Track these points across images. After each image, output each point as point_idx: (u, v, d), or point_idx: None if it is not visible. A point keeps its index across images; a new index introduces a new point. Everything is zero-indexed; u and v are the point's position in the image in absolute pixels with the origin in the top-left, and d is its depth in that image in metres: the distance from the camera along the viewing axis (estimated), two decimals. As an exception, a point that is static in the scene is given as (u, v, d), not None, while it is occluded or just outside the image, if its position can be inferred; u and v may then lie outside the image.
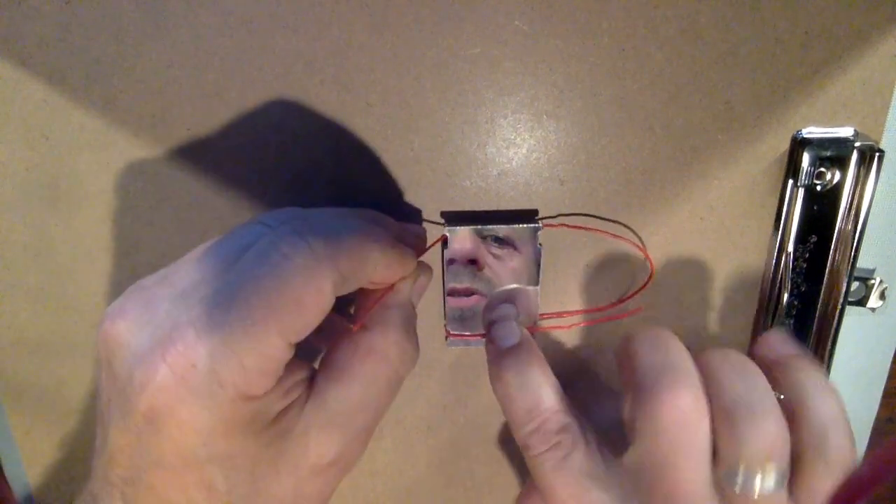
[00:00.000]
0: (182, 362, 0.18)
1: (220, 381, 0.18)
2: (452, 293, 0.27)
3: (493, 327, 0.26)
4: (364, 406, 0.21)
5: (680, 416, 0.20)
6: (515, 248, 0.26)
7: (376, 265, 0.21)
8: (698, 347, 0.24)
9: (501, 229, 0.26)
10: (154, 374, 0.18)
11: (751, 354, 0.23)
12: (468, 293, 0.27)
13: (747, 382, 0.21)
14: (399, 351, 0.22)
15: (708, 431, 0.21)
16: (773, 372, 0.22)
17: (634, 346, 0.23)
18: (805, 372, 0.22)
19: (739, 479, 0.20)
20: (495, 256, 0.26)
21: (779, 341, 0.24)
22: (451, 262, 0.27)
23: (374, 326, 0.22)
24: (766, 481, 0.20)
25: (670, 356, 0.22)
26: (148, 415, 0.18)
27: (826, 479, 0.21)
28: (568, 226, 0.27)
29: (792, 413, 0.21)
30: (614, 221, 0.27)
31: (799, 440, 0.21)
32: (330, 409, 0.21)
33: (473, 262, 0.27)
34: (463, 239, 0.26)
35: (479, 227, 0.26)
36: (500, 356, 0.25)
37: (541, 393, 0.24)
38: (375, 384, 0.22)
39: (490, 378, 0.26)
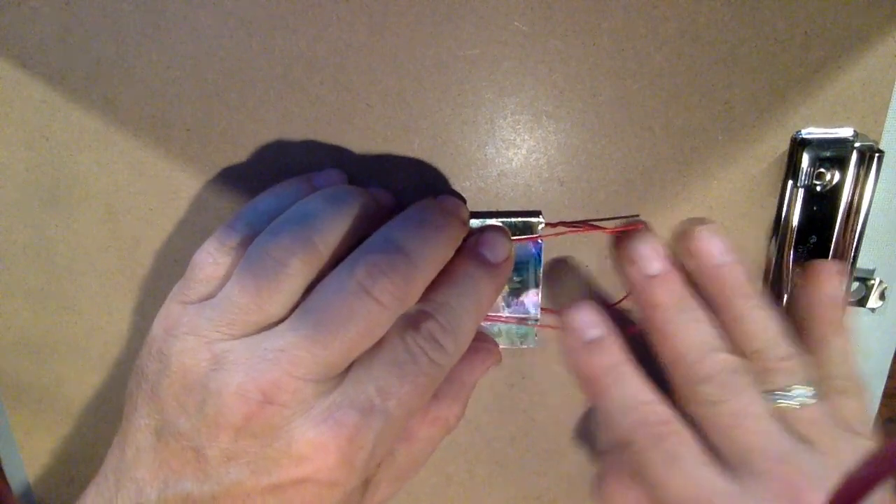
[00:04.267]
0: (352, 447, 0.20)
1: (377, 460, 0.21)
2: None
3: (569, 310, 0.24)
4: (422, 461, 0.25)
5: (724, 377, 0.23)
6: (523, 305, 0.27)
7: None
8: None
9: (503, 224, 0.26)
10: (325, 452, 0.20)
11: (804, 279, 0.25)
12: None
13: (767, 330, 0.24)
14: (457, 419, 0.25)
15: (748, 369, 0.23)
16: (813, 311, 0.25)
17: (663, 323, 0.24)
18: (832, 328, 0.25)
19: (780, 396, 0.23)
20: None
21: (830, 288, 0.25)
22: None
23: (445, 398, 0.25)
24: (797, 391, 0.23)
25: (700, 330, 0.23)
26: (299, 480, 0.20)
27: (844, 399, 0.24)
28: (568, 224, 0.27)
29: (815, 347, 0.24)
30: (614, 218, 0.27)
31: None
32: (399, 465, 0.24)
33: None
34: None
35: (480, 220, 0.26)
36: (586, 349, 0.24)
37: (637, 385, 0.23)
38: (433, 444, 0.25)
39: (575, 371, 0.24)
